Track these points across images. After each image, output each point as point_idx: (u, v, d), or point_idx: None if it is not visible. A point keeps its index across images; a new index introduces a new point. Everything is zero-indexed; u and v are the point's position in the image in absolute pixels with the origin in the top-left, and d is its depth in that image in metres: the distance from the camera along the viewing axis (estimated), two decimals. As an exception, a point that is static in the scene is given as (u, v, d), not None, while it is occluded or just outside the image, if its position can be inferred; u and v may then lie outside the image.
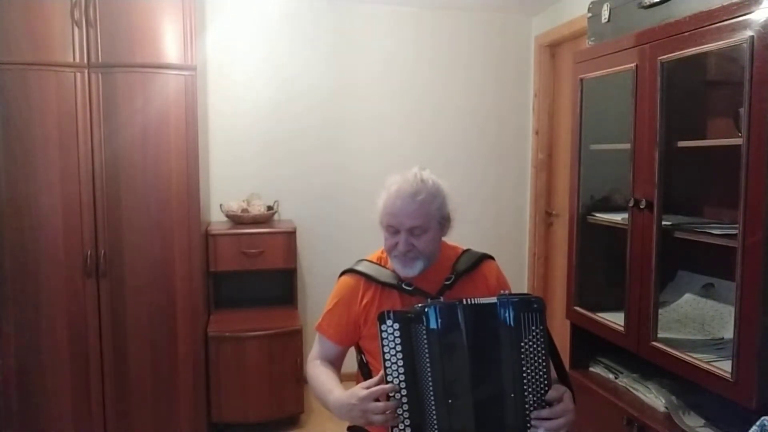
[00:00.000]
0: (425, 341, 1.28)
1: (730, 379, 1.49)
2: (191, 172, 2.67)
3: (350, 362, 1.63)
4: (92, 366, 2.64)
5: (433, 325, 1.29)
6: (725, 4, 1.51)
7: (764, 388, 1.42)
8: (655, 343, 1.79)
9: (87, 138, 2.55)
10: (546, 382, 1.30)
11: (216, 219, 3.32)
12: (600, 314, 2.10)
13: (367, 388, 1.31)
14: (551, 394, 1.30)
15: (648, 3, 1.87)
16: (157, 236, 2.65)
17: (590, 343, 2.19)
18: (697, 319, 1.87)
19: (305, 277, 3.50)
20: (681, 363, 1.67)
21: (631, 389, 1.98)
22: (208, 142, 3.25)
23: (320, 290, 3.40)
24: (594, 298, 2.18)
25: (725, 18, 1.50)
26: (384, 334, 1.29)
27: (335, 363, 1.59)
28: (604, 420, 1.98)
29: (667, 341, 1.77)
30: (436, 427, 1.27)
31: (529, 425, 1.29)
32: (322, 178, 3.49)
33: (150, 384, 2.70)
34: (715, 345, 1.72)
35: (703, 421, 1.74)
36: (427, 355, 1.28)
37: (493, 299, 1.32)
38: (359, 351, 1.59)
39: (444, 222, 1.54)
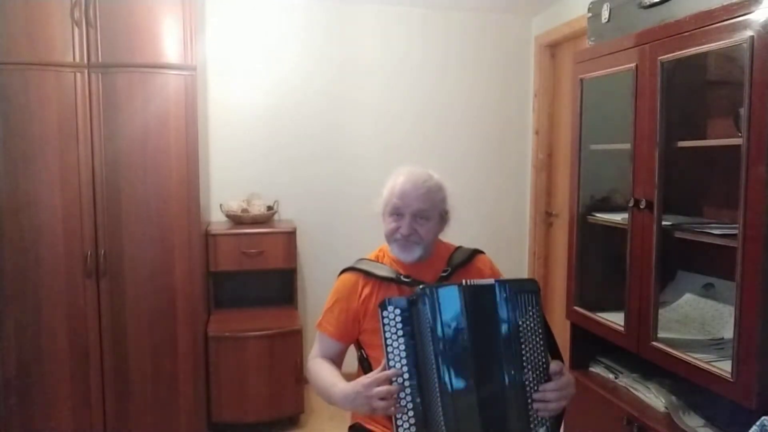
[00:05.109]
0: (428, 322, 1.30)
1: (730, 379, 1.49)
2: (191, 172, 2.67)
3: (350, 362, 1.63)
4: (92, 366, 2.64)
5: (434, 305, 1.31)
6: (725, 4, 1.51)
7: (764, 388, 1.42)
8: (655, 343, 1.78)
9: (87, 138, 2.55)
10: (544, 359, 1.34)
11: (216, 219, 3.32)
12: (600, 314, 2.10)
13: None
14: (553, 367, 1.34)
15: (648, 3, 1.86)
16: (157, 236, 2.65)
17: (590, 343, 2.19)
18: (697, 319, 1.87)
19: (305, 277, 3.50)
20: (681, 363, 1.67)
21: (631, 389, 1.98)
22: (208, 142, 3.25)
23: (320, 290, 3.40)
24: (594, 298, 2.18)
25: (725, 18, 1.50)
26: (386, 320, 1.31)
27: (336, 361, 1.60)
28: (604, 420, 1.98)
29: (667, 341, 1.77)
30: (439, 406, 1.28)
31: (530, 401, 1.31)
32: (323, 177, 3.49)
33: (150, 384, 2.70)
34: (715, 345, 1.72)
35: (703, 421, 1.74)
36: (429, 336, 1.30)
37: (491, 281, 1.37)
38: (359, 347, 1.61)
39: (443, 216, 1.61)
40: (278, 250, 3.06)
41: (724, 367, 1.53)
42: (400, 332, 1.31)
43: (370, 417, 1.55)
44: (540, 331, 1.34)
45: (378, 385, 1.29)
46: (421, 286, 1.35)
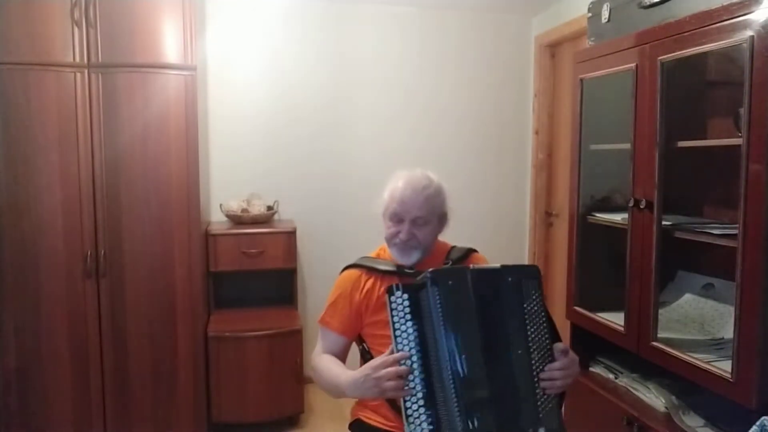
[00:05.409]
0: (438, 305, 1.32)
1: (730, 379, 1.49)
2: (191, 172, 2.67)
3: (352, 361, 1.63)
4: (92, 366, 2.64)
5: (443, 289, 1.33)
6: (725, 4, 1.51)
7: (764, 388, 1.43)
8: (655, 343, 1.79)
9: (87, 138, 2.55)
10: (548, 340, 1.37)
11: (216, 219, 3.32)
12: (600, 314, 2.10)
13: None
14: (561, 346, 1.38)
15: (648, 3, 1.86)
16: (157, 236, 2.65)
17: (590, 343, 2.19)
18: (697, 319, 1.87)
19: (305, 277, 3.50)
20: (681, 363, 1.67)
21: (631, 389, 1.98)
22: (208, 142, 3.25)
23: (320, 290, 3.39)
24: (594, 298, 2.17)
25: (725, 18, 1.50)
26: (393, 305, 1.33)
27: (340, 357, 1.61)
28: (604, 420, 1.98)
29: (667, 341, 1.77)
30: (451, 388, 1.29)
31: (536, 379, 1.34)
32: (323, 177, 3.49)
33: (150, 384, 2.70)
34: (715, 345, 1.72)
35: (703, 421, 1.74)
36: (439, 319, 1.31)
37: (497, 266, 1.40)
38: (361, 341, 1.63)
39: (442, 219, 1.64)
40: (278, 250, 3.06)
41: (724, 367, 1.54)
42: (408, 316, 1.32)
43: (373, 410, 1.56)
44: (543, 314, 1.37)
45: (386, 367, 1.30)
46: (430, 270, 1.36)
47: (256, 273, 3.13)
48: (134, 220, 2.63)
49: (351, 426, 1.63)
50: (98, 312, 2.62)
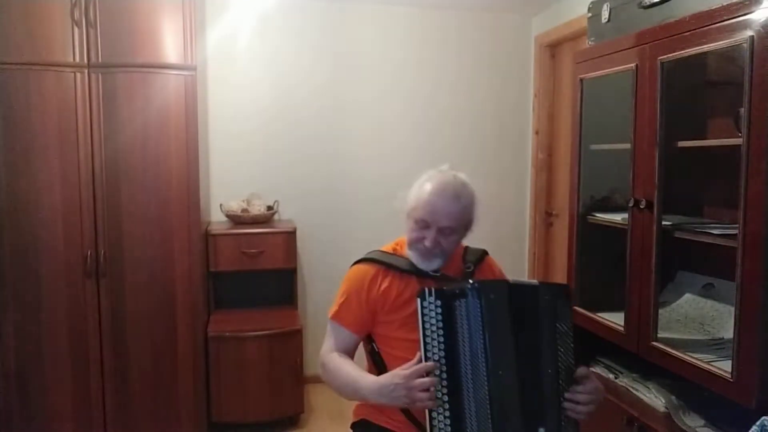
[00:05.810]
0: (477, 316, 1.30)
1: (730, 379, 1.49)
2: (191, 171, 2.67)
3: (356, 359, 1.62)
4: (92, 366, 2.64)
5: (486, 299, 1.32)
6: (725, 4, 1.51)
7: (764, 388, 1.42)
8: (655, 343, 1.79)
9: (87, 138, 2.55)
10: (573, 362, 1.36)
11: (216, 219, 3.32)
12: (600, 314, 2.10)
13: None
14: (583, 371, 1.36)
15: (648, 3, 1.87)
16: (157, 236, 2.65)
17: (590, 343, 2.19)
18: (697, 319, 1.87)
19: (305, 277, 3.50)
20: (681, 363, 1.67)
21: (631, 389, 1.98)
22: (208, 142, 3.25)
23: (320, 290, 3.40)
24: (594, 298, 2.17)
25: (725, 18, 1.50)
26: (425, 311, 1.30)
27: (350, 355, 1.56)
28: (604, 420, 1.98)
29: (667, 341, 1.77)
30: (487, 402, 1.28)
31: (562, 399, 1.33)
32: (323, 177, 3.49)
33: (150, 384, 2.70)
34: (715, 345, 1.72)
35: (703, 421, 1.73)
36: (480, 329, 1.30)
37: (535, 282, 1.40)
38: (369, 340, 1.58)
39: (469, 225, 1.60)
40: (278, 250, 3.06)
41: (724, 367, 1.53)
42: (440, 323, 1.30)
43: (377, 410, 1.53)
44: (571, 335, 1.36)
45: (418, 377, 1.28)
46: (471, 281, 1.35)
47: (256, 273, 3.13)
48: (134, 220, 2.62)
49: (355, 426, 1.59)
50: (98, 312, 2.62)
